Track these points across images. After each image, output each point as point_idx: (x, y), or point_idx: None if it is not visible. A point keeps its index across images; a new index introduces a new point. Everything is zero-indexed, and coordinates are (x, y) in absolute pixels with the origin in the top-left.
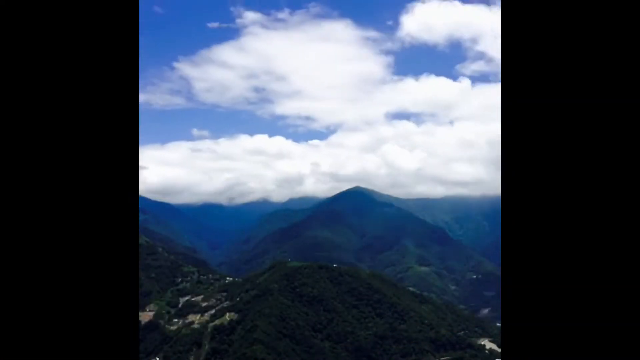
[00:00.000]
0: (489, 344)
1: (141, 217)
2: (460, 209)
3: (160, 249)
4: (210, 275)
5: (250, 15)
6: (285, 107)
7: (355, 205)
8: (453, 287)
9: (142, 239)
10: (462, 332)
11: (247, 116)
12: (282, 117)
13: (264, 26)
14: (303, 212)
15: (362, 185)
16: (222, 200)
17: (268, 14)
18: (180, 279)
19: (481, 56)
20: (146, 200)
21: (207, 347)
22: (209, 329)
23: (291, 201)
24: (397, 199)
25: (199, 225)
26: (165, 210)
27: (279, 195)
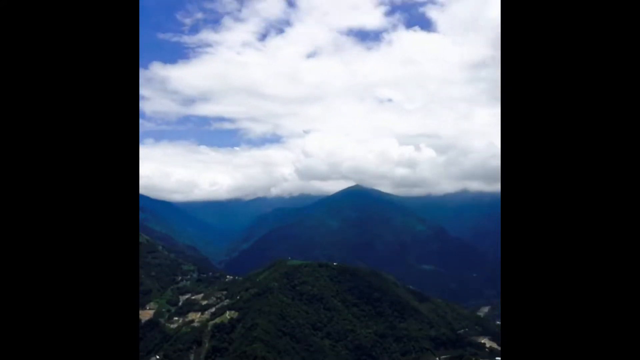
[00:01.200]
0: (489, 343)
1: (141, 215)
2: (460, 206)
3: (160, 247)
4: (210, 274)
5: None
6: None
7: (355, 203)
8: (453, 285)
9: (142, 237)
10: (462, 330)
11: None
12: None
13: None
14: (303, 210)
15: (361, 183)
16: (223, 198)
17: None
18: (180, 277)
19: None
20: (146, 198)
21: (207, 345)
22: (209, 328)
23: (291, 199)
24: (396, 196)
25: (199, 223)
26: (165, 208)
27: (279, 193)
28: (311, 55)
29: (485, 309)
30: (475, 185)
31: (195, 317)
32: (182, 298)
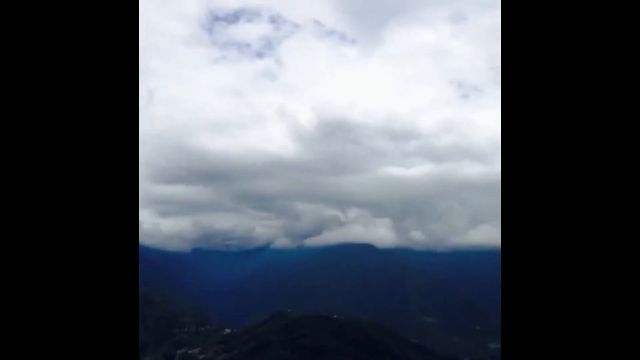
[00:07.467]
0: None
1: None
2: (462, 258)
3: (158, 299)
4: (208, 326)
5: None
6: None
7: (356, 254)
8: (456, 339)
9: (141, 288)
10: None
11: None
12: None
13: None
14: (303, 261)
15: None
16: (220, 247)
17: None
18: (177, 330)
19: None
20: (145, 247)
21: None
22: None
23: (291, 250)
24: (398, 249)
25: (198, 274)
26: (164, 257)
27: (278, 244)
28: None
29: None
30: (477, 237)
31: None
32: (179, 352)
